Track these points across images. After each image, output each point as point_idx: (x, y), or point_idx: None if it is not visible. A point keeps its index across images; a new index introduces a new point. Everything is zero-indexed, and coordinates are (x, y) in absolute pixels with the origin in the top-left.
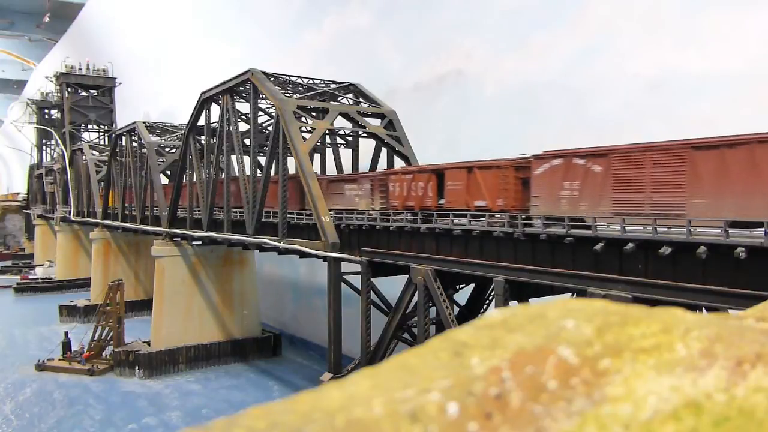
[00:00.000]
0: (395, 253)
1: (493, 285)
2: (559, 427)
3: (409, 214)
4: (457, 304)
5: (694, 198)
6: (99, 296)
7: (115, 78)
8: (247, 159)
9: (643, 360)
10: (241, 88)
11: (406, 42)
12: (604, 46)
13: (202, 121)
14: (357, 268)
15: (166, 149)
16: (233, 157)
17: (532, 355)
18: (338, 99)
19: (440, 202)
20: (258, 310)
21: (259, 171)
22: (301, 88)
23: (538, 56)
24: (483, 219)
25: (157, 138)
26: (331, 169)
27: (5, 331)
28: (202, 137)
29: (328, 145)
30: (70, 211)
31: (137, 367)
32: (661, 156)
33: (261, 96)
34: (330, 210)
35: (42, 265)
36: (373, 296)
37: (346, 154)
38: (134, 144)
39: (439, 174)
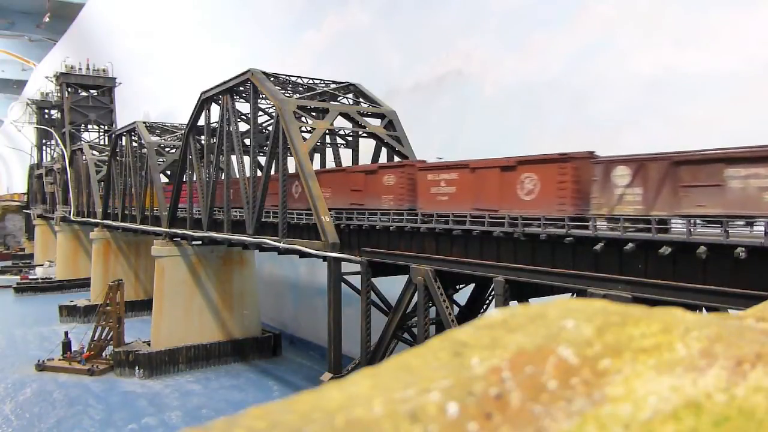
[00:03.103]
0: (395, 253)
1: (493, 285)
2: (559, 427)
3: None
4: (457, 304)
5: None
6: (99, 296)
7: (115, 78)
8: (247, 159)
9: (643, 360)
10: (241, 88)
11: (406, 42)
12: (604, 45)
13: (202, 121)
14: (357, 268)
15: (166, 149)
16: (233, 157)
17: (532, 355)
18: (338, 99)
19: None
20: (258, 310)
21: (259, 171)
22: (301, 88)
23: (538, 56)
24: None
25: (157, 138)
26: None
27: (5, 331)
28: (202, 137)
29: (328, 145)
30: (70, 211)
31: (137, 367)
32: None
33: (261, 96)
34: (688, 217)
35: (42, 265)
36: (373, 296)
37: (346, 154)
38: (134, 144)
39: None
